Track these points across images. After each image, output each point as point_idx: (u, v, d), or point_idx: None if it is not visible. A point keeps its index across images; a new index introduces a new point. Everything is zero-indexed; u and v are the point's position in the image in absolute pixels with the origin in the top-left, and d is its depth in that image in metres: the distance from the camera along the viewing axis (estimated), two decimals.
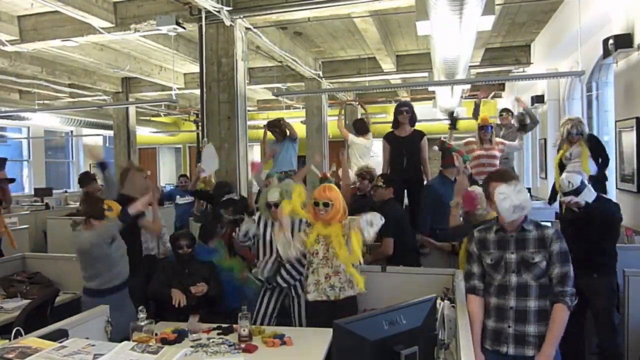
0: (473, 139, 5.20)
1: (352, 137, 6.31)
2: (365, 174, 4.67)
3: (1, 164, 4.68)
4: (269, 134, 5.69)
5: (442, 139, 4.79)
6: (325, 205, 3.00)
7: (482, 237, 2.47)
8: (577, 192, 3.21)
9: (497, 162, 5.09)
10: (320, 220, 3.05)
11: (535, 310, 2.31)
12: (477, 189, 3.47)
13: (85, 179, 5.77)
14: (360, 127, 6.32)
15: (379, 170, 4.96)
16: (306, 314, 3.24)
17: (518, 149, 6.06)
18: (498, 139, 5.23)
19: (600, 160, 4.34)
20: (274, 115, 10.96)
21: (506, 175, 2.44)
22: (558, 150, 4.62)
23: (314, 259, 3.05)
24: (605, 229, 3.29)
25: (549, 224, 2.41)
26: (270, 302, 3.46)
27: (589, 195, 3.22)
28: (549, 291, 2.31)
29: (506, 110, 6.38)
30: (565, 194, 3.28)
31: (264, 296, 3.49)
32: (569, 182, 3.23)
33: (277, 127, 5.55)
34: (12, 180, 4.75)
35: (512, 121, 6.22)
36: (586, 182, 3.28)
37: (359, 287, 2.99)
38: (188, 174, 10.29)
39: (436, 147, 4.71)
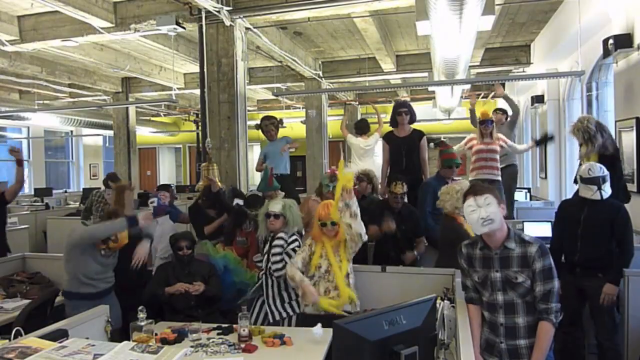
0: (474, 135, 5.26)
1: (349, 137, 6.31)
2: (363, 176, 4.66)
3: None
4: None
5: (442, 139, 4.81)
6: (333, 224, 3.01)
7: (469, 254, 2.46)
8: (593, 180, 3.23)
9: (498, 156, 5.15)
10: (325, 236, 3.04)
11: (525, 326, 2.31)
12: (464, 183, 3.52)
13: (114, 178, 5.59)
14: (360, 127, 6.32)
15: (377, 172, 4.96)
16: (300, 325, 3.13)
17: (519, 151, 6.09)
18: (500, 136, 5.26)
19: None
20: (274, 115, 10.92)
21: (477, 188, 2.39)
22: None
23: (315, 272, 3.01)
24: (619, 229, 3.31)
25: (532, 241, 2.30)
26: (260, 313, 3.37)
27: (606, 191, 3.25)
28: (536, 307, 2.30)
29: (498, 109, 6.42)
30: (584, 180, 3.29)
31: (256, 304, 3.40)
32: (589, 169, 3.27)
33: (273, 122, 5.42)
34: None
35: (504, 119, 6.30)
36: (607, 177, 3.29)
37: (350, 298, 2.95)
38: (188, 174, 10.23)
39: (432, 144, 4.70)
